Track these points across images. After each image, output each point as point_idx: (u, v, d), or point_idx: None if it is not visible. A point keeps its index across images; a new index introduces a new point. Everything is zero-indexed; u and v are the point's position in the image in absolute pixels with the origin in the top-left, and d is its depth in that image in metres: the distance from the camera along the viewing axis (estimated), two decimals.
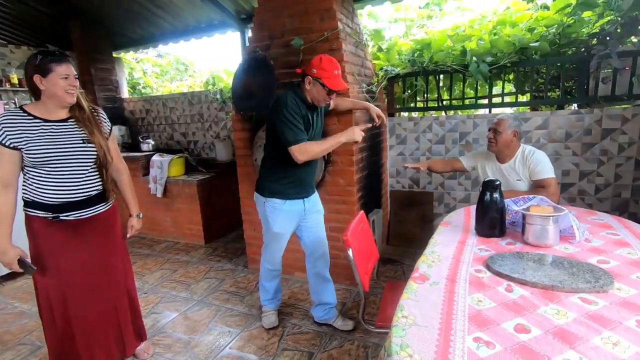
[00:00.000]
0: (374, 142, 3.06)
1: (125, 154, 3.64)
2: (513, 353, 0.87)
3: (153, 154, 4.03)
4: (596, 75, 2.70)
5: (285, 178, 1.99)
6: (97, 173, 1.72)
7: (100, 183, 1.74)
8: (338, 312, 2.30)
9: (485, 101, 3.32)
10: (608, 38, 2.60)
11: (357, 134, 1.92)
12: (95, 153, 1.68)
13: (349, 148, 2.57)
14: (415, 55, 3.30)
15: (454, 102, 3.65)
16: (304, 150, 1.82)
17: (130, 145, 4.79)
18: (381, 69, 3.38)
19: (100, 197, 1.75)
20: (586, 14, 2.79)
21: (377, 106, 3.07)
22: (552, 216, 1.44)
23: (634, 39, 2.69)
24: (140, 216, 1.97)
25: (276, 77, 2.72)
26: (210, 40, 4.49)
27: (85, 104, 1.69)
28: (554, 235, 1.47)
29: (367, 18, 5.82)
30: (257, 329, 2.31)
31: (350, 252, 1.50)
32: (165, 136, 4.95)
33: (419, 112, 3.58)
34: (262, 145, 2.80)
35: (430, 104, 3.60)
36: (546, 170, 2.03)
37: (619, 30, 2.58)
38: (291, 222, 2.09)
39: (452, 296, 1.14)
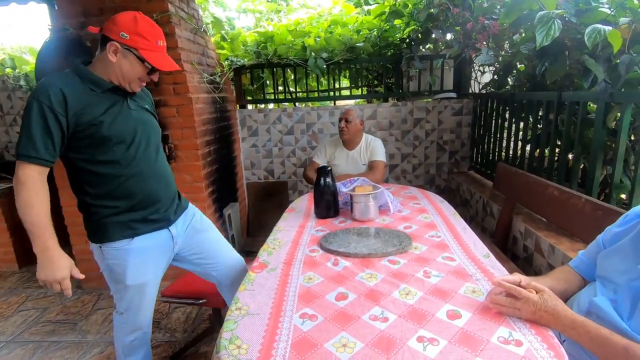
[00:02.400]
0: (222, 134, 2.96)
1: None
2: (332, 320, 0.97)
3: None
4: (406, 74, 3.26)
5: (115, 204, 1.26)
6: None
7: None
8: None
9: (330, 94, 3.62)
10: (412, 43, 3.17)
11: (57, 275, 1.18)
12: None
13: (193, 142, 2.42)
14: (260, 47, 3.33)
15: (300, 95, 3.86)
16: (20, 180, 1.10)
17: None
18: (226, 59, 3.29)
19: None
20: (397, 22, 3.32)
21: (223, 98, 3.00)
22: (371, 194, 1.67)
23: (431, 46, 3.35)
24: None
25: None
26: (5, 10, 3.51)
27: None
28: (375, 210, 1.71)
29: (213, 5, 5.55)
30: (94, 357, 1.97)
31: None
32: None
33: (270, 104, 3.64)
34: None
35: (280, 96, 3.72)
36: (378, 154, 2.39)
37: (419, 37, 3.16)
38: (154, 263, 1.37)
39: (286, 279, 1.20)
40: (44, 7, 3.32)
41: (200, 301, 1.70)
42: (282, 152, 3.49)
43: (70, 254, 3.07)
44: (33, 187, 1.11)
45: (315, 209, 1.81)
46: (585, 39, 1.49)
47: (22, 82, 3.46)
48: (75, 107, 1.14)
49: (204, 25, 2.88)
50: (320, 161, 2.54)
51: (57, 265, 1.17)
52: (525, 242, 1.99)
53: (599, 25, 1.46)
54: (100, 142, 1.20)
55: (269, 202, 3.57)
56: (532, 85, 2.41)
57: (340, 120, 2.41)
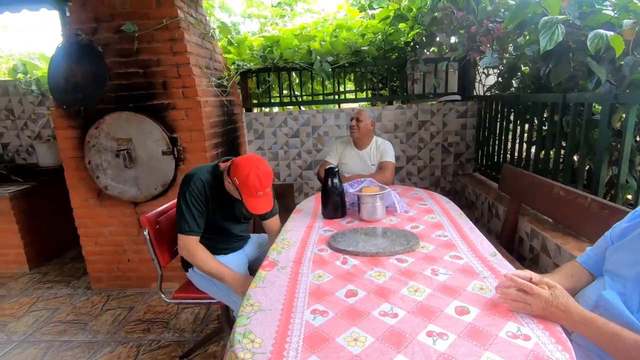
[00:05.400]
0: (229, 137, 3.00)
1: None
2: (342, 316, 0.99)
3: None
4: (410, 77, 3.28)
5: (205, 239, 1.65)
6: None
7: None
8: None
9: (335, 97, 3.66)
10: (417, 46, 3.20)
11: (239, 291, 1.57)
12: None
13: (201, 144, 2.46)
14: (266, 51, 3.38)
15: (306, 98, 3.90)
16: (187, 247, 1.57)
17: None
18: (233, 63, 3.34)
19: None
20: (402, 25, 3.36)
21: (230, 102, 3.05)
22: (378, 194, 1.69)
23: (435, 49, 3.38)
24: None
25: (108, 66, 2.38)
26: (17, 17, 3.59)
27: None
28: (382, 211, 1.73)
29: (219, 11, 5.63)
30: (105, 357, 2.00)
31: (146, 232, 1.65)
32: None
33: (275, 107, 3.69)
34: (95, 146, 2.43)
35: (285, 100, 3.76)
36: (389, 155, 2.42)
37: (424, 40, 3.20)
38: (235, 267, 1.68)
39: (296, 277, 1.22)
40: (55, 14, 3.41)
41: (214, 300, 1.73)
42: (288, 155, 3.52)
43: (79, 255, 3.12)
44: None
45: (322, 209, 1.83)
46: (588, 44, 1.52)
47: (33, 87, 3.53)
48: (204, 195, 1.60)
49: (211, 30, 2.93)
50: (333, 161, 2.55)
51: (234, 281, 1.60)
52: (532, 243, 1.99)
53: (601, 31, 1.49)
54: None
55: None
56: (537, 87, 2.43)
57: (351, 119, 2.44)
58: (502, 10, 2.51)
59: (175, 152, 2.42)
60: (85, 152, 2.45)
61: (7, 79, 3.80)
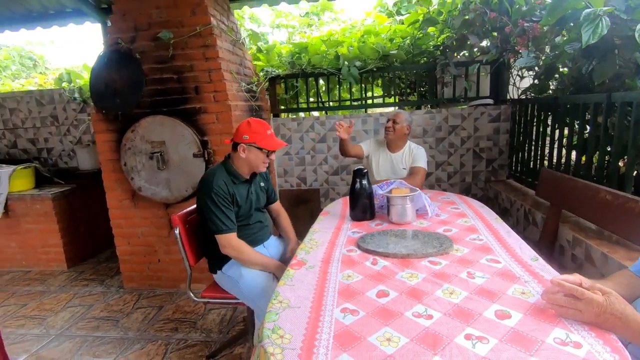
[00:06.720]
0: None
1: None
2: (374, 315, 0.95)
3: None
4: (440, 81, 3.22)
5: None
6: None
7: None
8: None
9: (360, 102, 3.64)
10: (447, 50, 3.14)
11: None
12: None
13: (229, 148, 2.50)
14: (295, 57, 3.43)
15: (333, 104, 3.91)
16: (229, 245, 1.62)
17: None
18: (262, 70, 3.40)
19: None
20: (431, 29, 3.31)
21: (259, 107, 3.10)
22: (409, 196, 1.64)
23: (466, 52, 3.31)
24: None
25: (144, 72, 2.48)
26: (64, 30, 3.85)
27: None
28: (412, 213, 1.68)
29: (249, 22, 5.80)
30: (135, 353, 2.04)
31: (177, 230, 1.70)
32: (4, 144, 4.03)
33: (304, 113, 3.71)
34: (131, 148, 2.53)
35: (312, 105, 3.78)
36: (421, 161, 2.35)
37: (454, 44, 3.13)
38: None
39: (325, 276, 1.20)
40: (97, 27, 3.61)
41: (239, 301, 1.73)
42: (315, 160, 3.52)
43: (112, 255, 3.24)
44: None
45: (350, 211, 1.80)
46: (637, 36, 1.42)
47: (76, 95, 3.74)
48: (228, 193, 1.64)
49: (242, 38, 3.01)
50: (365, 147, 2.49)
51: (277, 269, 1.67)
52: (574, 252, 1.87)
53: None
54: None
55: (301, 209, 3.59)
56: (577, 87, 2.30)
57: (388, 120, 2.40)
58: (538, 10, 2.42)
59: (206, 155, 2.47)
60: (121, 154, 2.56)
61: (53, 87, 4.06)
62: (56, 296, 2.79)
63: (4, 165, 3.30)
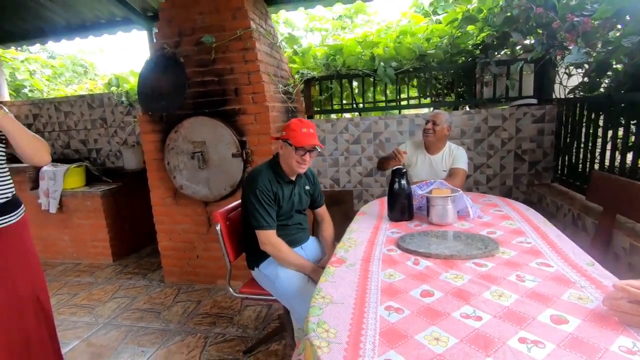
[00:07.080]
0: None
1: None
2: (419, 315, 0.93)
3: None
4: (480, 80, 3.11)
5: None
6: (7, 174, 1.51)
7: (11, 186, 1.52)
8: None
9: (394, 104, 3.60)
10: (487, 49, 3.03)
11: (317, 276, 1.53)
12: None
13: (268, 148, 2.56)
14: (329, 59, 3.45)
15: (367, 105, 3.89)
16: (268, 242, 1.64)
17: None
18: (297, 72, 3.45)
19: (9, 206, 1.49)
20: (470, 28, 3.22)
21: (295, 108, 3.14)
22: (450, 196, 1.60)
23: (508, 51, 3.18)
24: None
25: (187, 75, 2.60)
26: (113, 38, 4.12)
27: None
28: (453, 214, 1.64)
29: (283, 26, 5.91)
30: (176, 344, 2.12)
31: (218, 227, 1.75)
32: (60, 144, 4.35)
33: (336, 114, 3.72)
34: (174, 148, 2.64)
35: (346, 107, 3.78)
36: (461, 161, 2.30)
37: (495, 42, 3.02)
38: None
39: (366, 274, 1.19)
40: (144, 34, 3.82)
41: (274, 298, 1.75)
42: (349, 161, 3.52)
43: (154, 251, 3.38)
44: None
45: (388, 212, 1.78)
46: None
47: (123, 98, 3.97)
48: (272, 191, 1.68)
49: (279, 41, 3.07)
50: (402, 148, 2.41)
51: (313, 272, 1.69)
52: (631, 260, 1.74)
53: None
54: None
55: (334, 211, 3.57)
56: (634, 84, 2.15)
57: (427, 122, 2.35)
58: (589, 4, 2.29)
59: (244, 155, 2.54)
60: (165, 154, 2.68)
61: (102, 92, 4.33)
62: (103, 287, 2.96)
63: (58, 164, 3.55)
